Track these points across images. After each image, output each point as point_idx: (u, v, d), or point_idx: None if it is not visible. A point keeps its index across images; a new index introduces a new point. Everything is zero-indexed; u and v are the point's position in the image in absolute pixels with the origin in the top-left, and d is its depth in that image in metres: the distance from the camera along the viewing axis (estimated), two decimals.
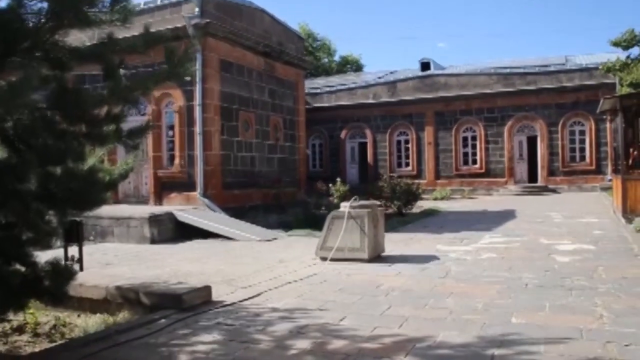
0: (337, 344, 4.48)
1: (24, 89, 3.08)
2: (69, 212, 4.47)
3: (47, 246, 4.73)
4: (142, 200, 15.39)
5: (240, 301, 6.15)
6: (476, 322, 4.95)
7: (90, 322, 5.92)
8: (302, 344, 4.51)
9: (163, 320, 5.38)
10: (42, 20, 3.91)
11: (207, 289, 6.20)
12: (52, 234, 4.79)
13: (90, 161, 5.64)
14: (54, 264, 4.52)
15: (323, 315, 5.40)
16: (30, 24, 3.88)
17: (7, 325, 6.05)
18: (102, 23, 4.06)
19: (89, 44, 4.68)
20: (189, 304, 5.81)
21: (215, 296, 6.31)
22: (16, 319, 6.06)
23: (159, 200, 15.01)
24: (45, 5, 3.96)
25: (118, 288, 6.16)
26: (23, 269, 4.40)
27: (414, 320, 5.09)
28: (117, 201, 15.72)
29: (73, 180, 4.12)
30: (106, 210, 13.59)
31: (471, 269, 7.70)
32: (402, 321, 5.07)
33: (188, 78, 14.12)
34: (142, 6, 14.84)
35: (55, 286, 4.40)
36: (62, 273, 4.47)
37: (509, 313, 5.23)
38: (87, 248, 11.89)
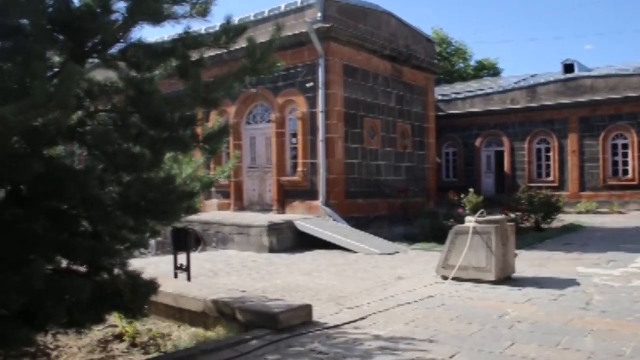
0: None
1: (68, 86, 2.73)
2: (149, 223, 4.15)
3: (130, 256, 4.47)
4: (265, 208, 15.38)
5: (343, 324, 5.56)
6: None
7: (183, 337, 5.64)
8: None
9: (254, 342, 4.93)
10: (114, 17, 3.62)
11: (307, 308, 5.68)
12: (137, 244, 4.53)
13: (187, 169, 5.40)
14: (134, 278, 4.22)
15: (432, 349, 4.65)
16: (103, 21, 3.60)
17: (109, 332, 5.98)
18: (177, 17, 3.69)
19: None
20: (286, 325, 5.33)
21: (318, 316, 5.78)
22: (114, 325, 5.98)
23: (281, 208, 14.89)
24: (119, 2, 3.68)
25: (214, 302, 5.84)
26: (102, 280, 4.16)
27: None
28: (242, 209, 15.89)
29: (148, 190, 3.78)
30: (228, 217, 13.77)
31: (618, 299, 6.47)
32: None
33: (310, 84, 13.92)
34: (265, 14, 14.88)
35: (133, 301, 4.10)
36: (141, 288, 4.15)
37: None
38: (206, 255, 12.07)
